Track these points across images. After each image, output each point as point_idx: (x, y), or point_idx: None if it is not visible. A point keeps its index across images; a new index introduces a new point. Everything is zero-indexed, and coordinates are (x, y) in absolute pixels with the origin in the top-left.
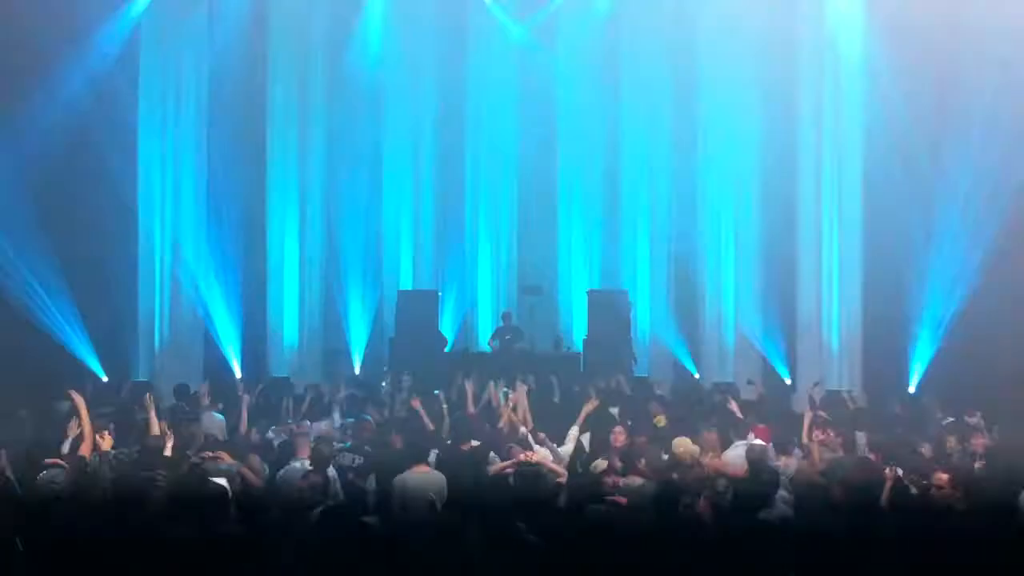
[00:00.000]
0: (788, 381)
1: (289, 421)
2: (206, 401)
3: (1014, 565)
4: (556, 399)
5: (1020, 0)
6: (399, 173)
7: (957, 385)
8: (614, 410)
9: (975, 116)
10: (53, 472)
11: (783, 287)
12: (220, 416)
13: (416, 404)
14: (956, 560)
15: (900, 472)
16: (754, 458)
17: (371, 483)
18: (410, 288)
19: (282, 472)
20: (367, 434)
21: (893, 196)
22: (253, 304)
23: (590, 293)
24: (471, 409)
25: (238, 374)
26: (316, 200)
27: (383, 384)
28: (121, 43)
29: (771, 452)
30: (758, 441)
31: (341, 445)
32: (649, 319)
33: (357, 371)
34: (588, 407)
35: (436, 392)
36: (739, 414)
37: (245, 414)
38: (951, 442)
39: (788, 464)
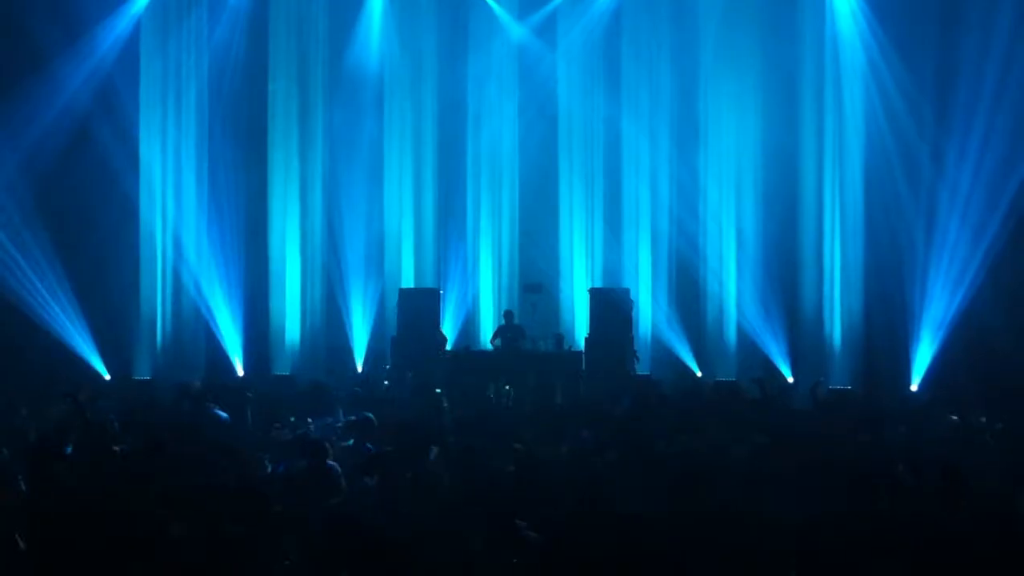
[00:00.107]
0: (790, 379)
1: (292, 419)
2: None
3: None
4: (558, 399)
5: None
6: (400, 171)
7: (958, 383)
8: None
9: (975, 116)
10: None
11: (785, 285)
12: (223, 414)
13: None
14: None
15: None
16: None
17: (373, 480)
18: (412, 286)
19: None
20: (369, 432)
21: (894, 195)
22: (255, 302)
23: (591, 291)
24: None
25: (240, 372)
26: (317, 197)
27: (385, 382)
28: (121, 42)
29: None
30: None
31: (344, 443)
32: (651, 317)
33: (359, 369)
34: None
35: (437, 391)
36: None
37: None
38: None
39: None
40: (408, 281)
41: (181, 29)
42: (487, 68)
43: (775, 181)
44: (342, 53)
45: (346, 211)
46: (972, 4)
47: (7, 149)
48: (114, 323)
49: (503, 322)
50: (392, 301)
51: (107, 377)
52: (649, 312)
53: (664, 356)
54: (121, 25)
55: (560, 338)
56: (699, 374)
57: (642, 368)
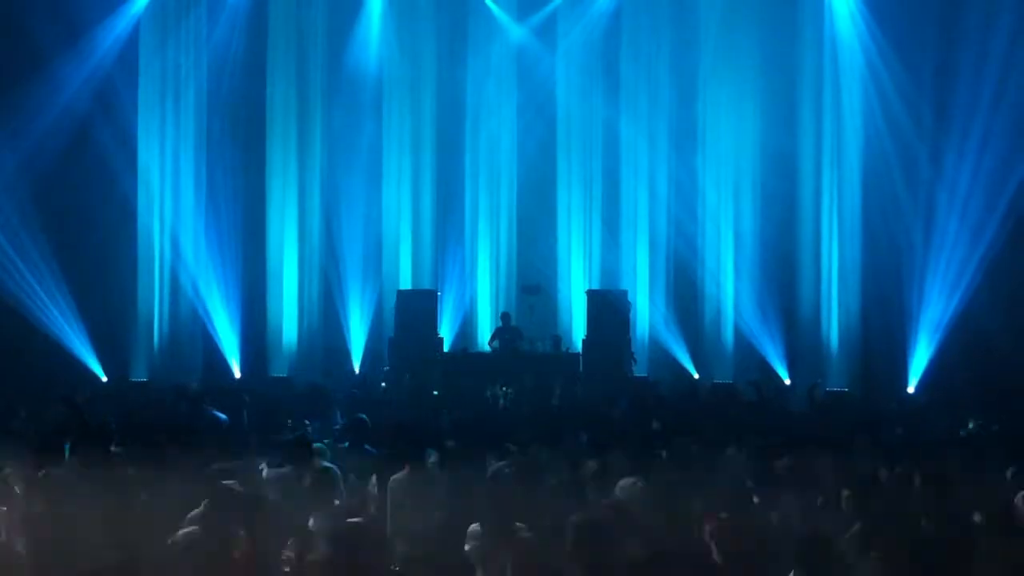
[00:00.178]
0: (787, 381)
1: (289, 421)
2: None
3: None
4: (555, 400)
5: None
6: (398, 172)
7: (955, 386)
8: None
9: (973, 118)
10: None
11: (782, 287)
12: (222, 415)
13: None
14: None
15: None
16: None
17: (372, 483)
18: (409, 288)
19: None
20: (364, 433)
21: (892, 196)
22: (252, 303)
23: (589, 293)
24: None
25: (237, 374)
26: (315, 199)
27: (382, 384)
28: (120, 43)
29: None
30: None
31: (341, 445)
32: (648, 319)
33: (357, 370)
34: None
35: (434, 392)
36: None
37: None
38: None
39: None
40: (406, 283)
41: (180, 30)
42: (486, 69)
43: (773, 183)
44: (341, 54)
45: (344, 212)
46: (971, 6)
47: (6, 149)
48: (112, 324)
49: (501, 324)
50: (390, 303)
51: (104, 379)
52: (647, 314)
53: (662, 358)
54: (120, 25)
55: (558, 340)
56: (696, 376)
57: (640, 370)
